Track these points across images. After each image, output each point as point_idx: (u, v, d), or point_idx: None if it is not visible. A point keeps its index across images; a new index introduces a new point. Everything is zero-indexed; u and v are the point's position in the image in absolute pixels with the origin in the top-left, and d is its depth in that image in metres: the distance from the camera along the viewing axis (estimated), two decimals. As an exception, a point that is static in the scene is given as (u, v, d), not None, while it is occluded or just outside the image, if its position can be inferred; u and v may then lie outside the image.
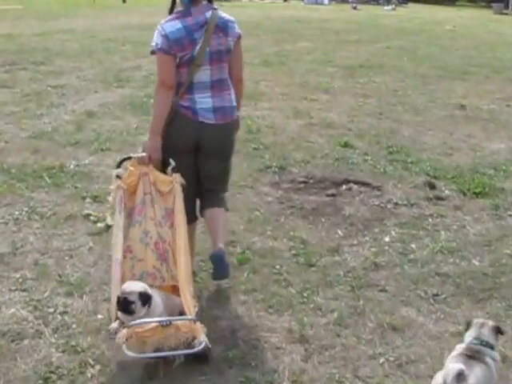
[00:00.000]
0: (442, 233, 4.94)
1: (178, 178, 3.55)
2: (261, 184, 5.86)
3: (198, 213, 3.92)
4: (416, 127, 8.18)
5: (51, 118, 7.87)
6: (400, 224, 5.05)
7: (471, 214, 5.33)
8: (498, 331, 2.93)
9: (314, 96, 9.80)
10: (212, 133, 3.60)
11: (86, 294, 3.86)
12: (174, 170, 3.58)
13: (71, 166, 6.05)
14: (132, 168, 3.57)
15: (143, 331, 2.94)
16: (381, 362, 3.32)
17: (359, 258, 4.47)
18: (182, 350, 3.01)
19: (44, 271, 4.11)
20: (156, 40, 3.48)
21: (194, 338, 2.99)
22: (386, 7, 35.10)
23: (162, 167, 3.63)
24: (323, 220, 5.08)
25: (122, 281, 3.26)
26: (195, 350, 2.98)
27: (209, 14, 3.51)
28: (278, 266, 4.27)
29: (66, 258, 4.30)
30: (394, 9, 35.07)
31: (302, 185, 5.88)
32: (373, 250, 4.60)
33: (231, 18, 3.62)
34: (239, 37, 3.64)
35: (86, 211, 5.00)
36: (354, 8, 33.26)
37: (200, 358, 3.15)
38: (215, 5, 3.62)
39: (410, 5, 41.50)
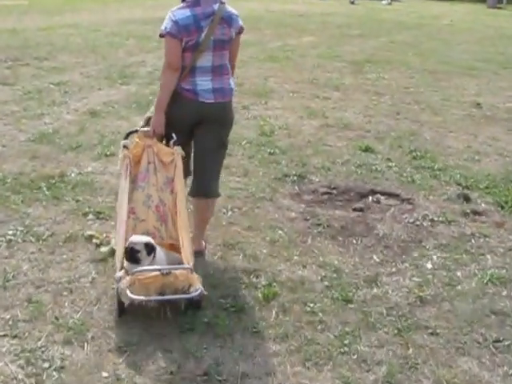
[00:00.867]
0: (488, 257, 4.18)
1: (178, 150, 3.68)
2: (280, 195, 5.07)
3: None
4: (437, 129, 7.38)
5: (52, 117, 7.03)
6: (440, 246, 4.28)
7: (515, 232, 4.56)
8: None
9: (326, 94, 8.97)
10: (211, 109, 3.68)
11: (87, 343, 3.09)
12: (176, 144, 3.69)
13: (72, 175, 5.24)
14: (138, 140, 3.74)
15: (145, 278, 3.11)
16: None
17: (401, 290, 3.71)
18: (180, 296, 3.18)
19: (39, 311, 3.32)
20: (166, 24, 3.55)
21: (191, 285, 3.15)
22: (382, 1, 33.91)
23: (165, 141, 3.77)
24: (354, 242, 4.30)
25: (126, 238, 3.38)
26: (192, 295, 3.15)
27: (216, 6, 3.58)
28: (310, 304, 3.49)
29: (65, 292, 3.51)
30: (389, 3, 33.88)
31: (325, 196, 5.10)
32: (415, 279, 3.83)
33: (235, 12, 3.71)
34: (241, 29, 3.72)
35: (89, 231, 4.19)
36: (352, 3, 32.10)
37: (195, 304, 3.29)
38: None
39: (405, -1, 40.34)
